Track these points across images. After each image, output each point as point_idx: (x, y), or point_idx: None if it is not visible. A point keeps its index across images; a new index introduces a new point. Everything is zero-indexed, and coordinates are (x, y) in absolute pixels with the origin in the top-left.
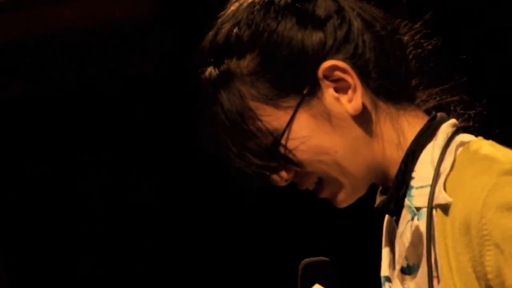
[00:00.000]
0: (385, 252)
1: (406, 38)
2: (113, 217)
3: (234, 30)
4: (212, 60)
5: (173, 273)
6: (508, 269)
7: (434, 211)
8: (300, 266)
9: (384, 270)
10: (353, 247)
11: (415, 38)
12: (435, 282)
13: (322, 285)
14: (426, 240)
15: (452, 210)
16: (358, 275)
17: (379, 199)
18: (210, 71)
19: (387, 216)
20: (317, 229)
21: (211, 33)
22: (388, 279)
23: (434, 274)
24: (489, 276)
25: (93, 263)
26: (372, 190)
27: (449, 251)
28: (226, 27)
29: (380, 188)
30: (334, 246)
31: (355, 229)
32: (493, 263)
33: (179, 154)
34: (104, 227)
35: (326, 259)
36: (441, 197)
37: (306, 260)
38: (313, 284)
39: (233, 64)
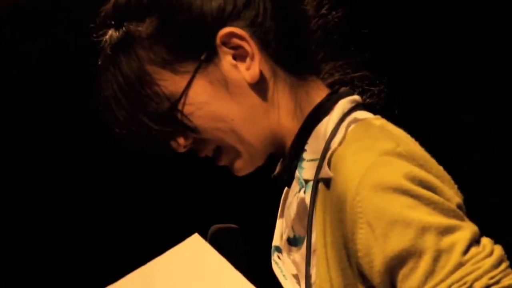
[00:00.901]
0: (279, 222)
1: (310, 9)
2: None
3: None
4: (113, 22)
5: None
6: (377, 248)
7: (319, 185)
8: (210, 231)
9: (276, 240)
10: (262, 215)
11: (319, 10)
12: (315, 255)
13: (229, 251)
14: (309, 214)
15: (332, 185)
16: (266, 243)
17: (278, 168)
18: (111, 33)
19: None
20: (228, 196)
21: None
22: (278, 249)
23: (315, 247)
24: (359, 254)
25: None
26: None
27: (326, 225)
28: None
29: (282, 158)
30: (243, 214)
31: (265, 197)
32: (363, 241)
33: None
34: None
35: (235, 226)
36: (324, 171)
37: (216, 226)
38: (221, 249)
39: (132, 27)
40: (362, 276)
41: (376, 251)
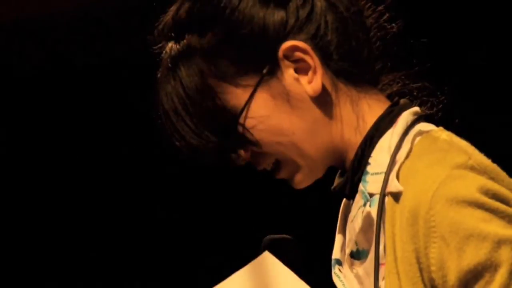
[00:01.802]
0: (339, 235)
1: (370, 20)
2: None
3: (196, 6)
4: (173, 35)
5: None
6: (451, 263)
7: (386, 199)
8: (263, 242)
9: (336, 253)
10: (315, 226)
11: (379, 21)
12: (382, 269)
13: (283, 262)
14: (376, 227)
15: (402, 199)
16: (319, 254)
17: (336, 181)
18: (171, 46)
19: (345, 199)
20: (281, 207)
21: (173, 8)
22: (339, 262)
23: (382, 261)
24: (432, 268)
25: None
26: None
27: (395, 239)
28: (188, 2)
29: (340, 170)
30: (297, 225)
31: (319, 209)
32: (437, 255)
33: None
34: None
35: (289, 236)
36: (393, 185)
37: (269, 236)
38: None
39: (194, 40)
40: None
41: (450, 265)
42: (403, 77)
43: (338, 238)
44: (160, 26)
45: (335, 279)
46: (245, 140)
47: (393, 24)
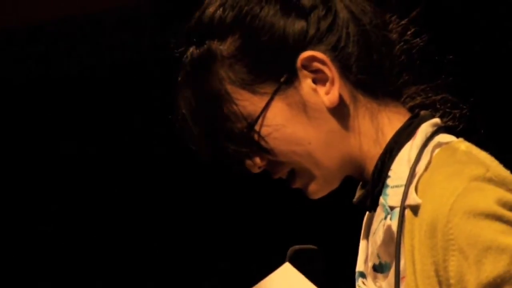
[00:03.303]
0: (362, 247)
1: (394, 34)
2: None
3: (218, 12)
4: (194, 40)
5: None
6: (471, 276)
7: (406, 212)
8: (288, 252)
9: (359, 265)
10: (340, 238)
11: (404, 34)
12: (403, 283)
13: (308, 272)
14: (396, 241)
15: (421, 212)
16: (344, 266)
17: (358, 193)
18: (192, 50)
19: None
20: (306, 219)
21: (197, 13)
22: (362, 275)
23: (403, 274)
24: (451, 281)
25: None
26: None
27: (414, 253)
28: (212, 7)
29: (361, 182)
30: (321, 236)
31: (344, 221)
32: (456, 268)
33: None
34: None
35: (314, 247)
36: (412, 198)
37: (295, 247)
38: (300, 271)
39: (214, 45)
40: None
41: (469, 279)
42: (428, 89)
43: (362, 250)
44: (184, 31)
45: None
46: (259, 148)
47: (418, 38)
